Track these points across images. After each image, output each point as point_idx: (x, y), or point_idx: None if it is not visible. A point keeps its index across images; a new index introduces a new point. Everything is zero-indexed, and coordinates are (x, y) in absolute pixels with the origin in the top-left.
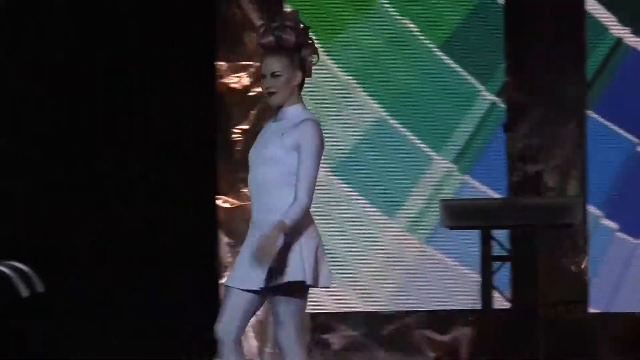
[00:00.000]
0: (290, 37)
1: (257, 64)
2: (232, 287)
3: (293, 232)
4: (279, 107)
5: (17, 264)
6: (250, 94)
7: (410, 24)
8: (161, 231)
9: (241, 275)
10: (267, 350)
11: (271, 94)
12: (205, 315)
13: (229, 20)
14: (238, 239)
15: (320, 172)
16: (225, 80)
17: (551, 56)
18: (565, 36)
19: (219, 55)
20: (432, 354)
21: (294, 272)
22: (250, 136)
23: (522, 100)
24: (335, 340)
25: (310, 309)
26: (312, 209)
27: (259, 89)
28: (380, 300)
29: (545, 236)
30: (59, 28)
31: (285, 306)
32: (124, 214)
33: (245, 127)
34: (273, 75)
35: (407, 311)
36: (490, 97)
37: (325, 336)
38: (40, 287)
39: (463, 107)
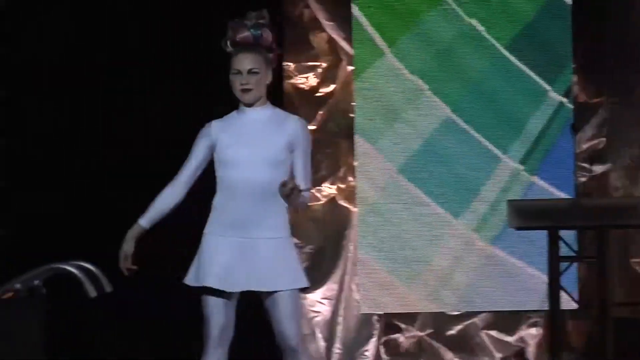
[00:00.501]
0: (268, 36)
1: (325, 64)
2: (219, 288)
3: (288, 236)
4: (249, 105)
5: (85, 263)
6: (317, 94)
7: (476, 24)
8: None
9: (232, 276)
10: (335, 350)
11: (247, 91)
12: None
13: (296, 20)
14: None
15: (387, 172)
16: (293, 81)
17: (619, 55)
18: (632, 35)
19: (286, 56)
20: (498, 355)
21: (299, 278)
22: (319, 136)
23: (589, 100)
24: (402, 340)
25: (378, 309)
26: (378, 209)
27: (327, 90)
28: (446, 301)
29: (613, 237)
30: (59, 28)
31: (290, 300)
32: (125, 212)
33: (313, 127)
34: (250, 72)
35: (473, 312)
36: (558, 97)
37: (393, 337)
38: (108, 287)
39: (530, 107)
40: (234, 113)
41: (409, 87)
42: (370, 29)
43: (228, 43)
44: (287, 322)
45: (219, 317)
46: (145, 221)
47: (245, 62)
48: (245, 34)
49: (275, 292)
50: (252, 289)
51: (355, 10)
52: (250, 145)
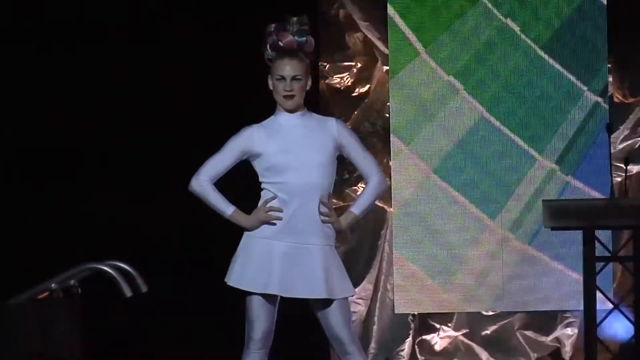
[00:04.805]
0: (312, 43)
1: (360, 64)
2: (280, 295)
3: (334, 244)
4: (290, 111)
5: (120, 263)
6: (352, 94)
7: (512, 24)
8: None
9: (289, 282)
10: (370, 350)
11: (290, 97)
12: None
13: (332, 20)
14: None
15: (422, 173)
16: (328, 81)
17: None
18: None
19: (322, 55)
20: (534, 355)
21: (350, 286)
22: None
23: (625, 100)
24: (437, 340)
25: (413, 309)
26: (414, 209)
27: (362, 90)
28: (482, 301)
29: None
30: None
31: (345, 307)
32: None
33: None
34: (294, 78)
35: (509, 312)
36: (593, 97)
37: (428, 337)
38: (143, 288)
39: (566, 107)
40: (272, 118)
41: (444, 87)
42: (406, 29)
43: (269, 48)
44: (344, 328)
45: (263, 321)
46: (229, 208)
47: (289, 68)
48: (289, 40)
49: (330, 299)
50: (311, 297)
51: (390, 10)
52: (302, 150)
